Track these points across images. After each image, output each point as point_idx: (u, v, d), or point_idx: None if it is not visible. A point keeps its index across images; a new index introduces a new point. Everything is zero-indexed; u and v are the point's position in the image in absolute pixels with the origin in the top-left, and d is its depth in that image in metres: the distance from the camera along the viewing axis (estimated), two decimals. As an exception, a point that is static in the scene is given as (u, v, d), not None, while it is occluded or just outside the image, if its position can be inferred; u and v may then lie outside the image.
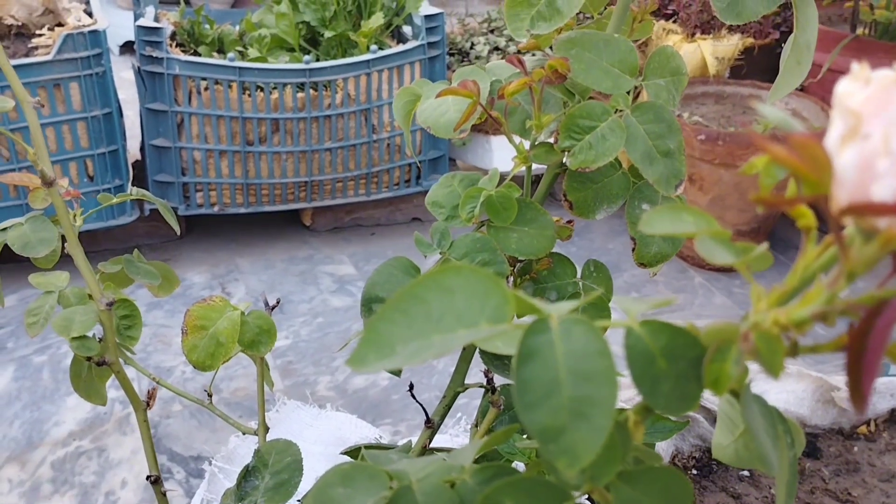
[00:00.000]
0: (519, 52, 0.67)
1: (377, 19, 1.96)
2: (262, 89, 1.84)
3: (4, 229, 0.75)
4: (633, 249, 0.63)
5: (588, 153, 0.58)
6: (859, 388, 0.28)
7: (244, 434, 0.83)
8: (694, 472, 1.07)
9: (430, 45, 1.93)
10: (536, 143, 0.62)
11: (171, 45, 1.83)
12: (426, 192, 0.77)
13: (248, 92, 1.84)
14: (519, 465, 0.71)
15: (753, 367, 0.34)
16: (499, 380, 0.67)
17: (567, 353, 0.30)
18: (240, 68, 1.79)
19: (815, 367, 1.24)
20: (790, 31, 0.63)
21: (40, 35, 1.74)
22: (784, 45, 0.64)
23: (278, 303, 0.83)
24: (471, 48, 2.32)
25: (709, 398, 1.08)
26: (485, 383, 0.67)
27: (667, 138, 0.58)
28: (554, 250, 0.64)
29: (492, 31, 2.41)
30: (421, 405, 0.74)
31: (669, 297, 0.33)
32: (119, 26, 2.87)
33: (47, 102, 1.68)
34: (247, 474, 0.74)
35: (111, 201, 0.81)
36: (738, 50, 2.18)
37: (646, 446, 0.46)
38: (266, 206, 1.97)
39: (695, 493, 1.00)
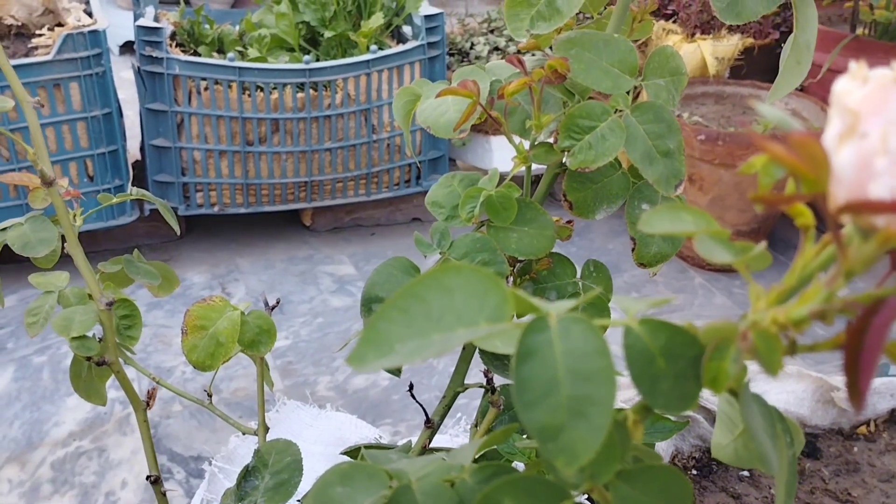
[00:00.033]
0: (519, 52, 0.67)
1: (377, 19, 1.96)
2: (262, 89, 1.84)
3: (4, 229, 0.75)
4: (633, 249, 0.63)
5: (588, 153, 0.58)
6: (857, 385, 0.28)
7: (244, 434, 0.83)
8: (694, 472, 1.07)
9: (430, 45, 1.93)
10: (536, 143, 0.62)
11: (171, 45, 1.83)
12: (426, 192, 0.77)
13: (248, 92, 1.84)
14: (519, 465, 0.71)
15: (753, 366, 0.34)
16: (498, 380, 0.67)
17: (566, 352, 0.31)
18: (240, 68, 1.79)
19: (815, 367, 1.24)
20: (790, 31, 0.63)
21: (40, 35, 1.74)
22: (784, 45, 0.64)
23: (278, 303, 0.83)
24: (471, 48, 2.32)
25: (708, 398, 1.08)
26: (484, 383, 0.67)
27: (667, 138, 0.58)
28: (554, 250, 0.64)
29: (492, 31, 2.41)
30: (421, 405, 0.74)
31: (668, 297, 0.33)
32: (119, 26, 2.87)
33: (47, 102, 1.68)
34: (247, 474, 0.74)
35: (111, 201, 0.81)
36: (738, 50, 2.18)
37: (645, 446, 0.46)
38: (266, 206, 1.97)
39: (695, 493, 1.00)
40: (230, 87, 1.81)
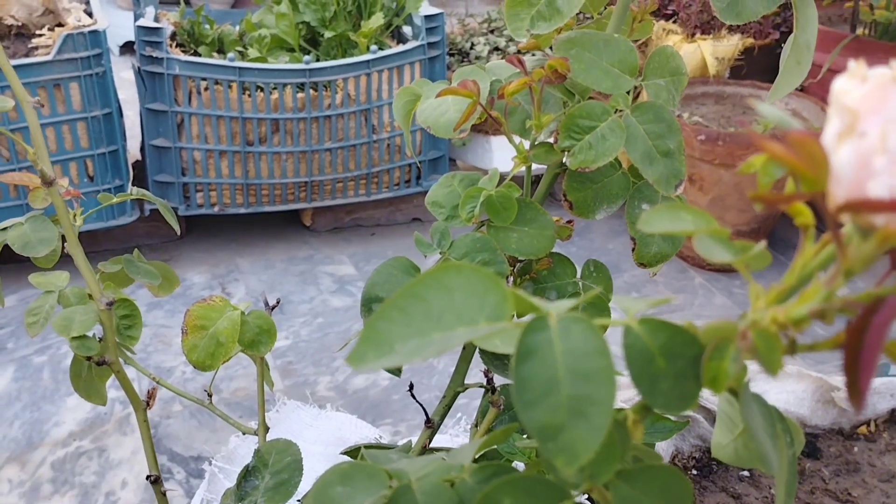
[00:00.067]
0: (519, 52, 0.67)
1: (377, 19, 1.96)
2: (262, 89, 1.84)
3: (4, 229, 0.75)
4: (633, 249, 0.63)
5: (588, 153, 0.58)
6: (857, 385, 0.28)
7: (244, 434, 0.83)
8: (694, 472, 1.07)
9: (430, 45, 1.93)
10: (536, 143, 0.62)
11: (171, 46, 1.83)
12: (426, 192, 0.77)
13: (248, 92, 1.84)
14: (519, 465, 0.71)
15: (753, 366, 0.34)
16: (498, 380, 0.67)
17: (566, 352, 0.31)
18: (240, 68, 1.79)
19: (815, 367, 1.24)
20: (790, 32, 0.63)
21: (40, 35, 1.74)
22: (784, 46, 0.64)
23: (278, 303, 0.83)
24: (471, 48, 2.32)
25: (708, 398, 1.08)
26: (485, 383, 0.67)
27: (667, 138, 0.58)
28: (554, 250, 0.64)
29: (492, 32, 2.41)
30: (421, 405, 0.74)
31: (668, 297, 0.33)
32: (119, 26, 2.87)
33: (47, 102, 1.68)
34: (247, 474, 0.74)
35: (111, 201, 0.81)
36: (738, 50, 2.18)
37: (645, 446, 0.46)
38: (266, 207, 1.97)
39: (695, 493, 1.00)
40: (230, 87, 1.81)
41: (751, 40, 2.19)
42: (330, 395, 1.53)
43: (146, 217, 1.94)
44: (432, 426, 0.71)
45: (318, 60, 2.01)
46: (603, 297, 0.64)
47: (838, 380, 1.11)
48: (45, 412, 1.46)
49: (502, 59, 0.87)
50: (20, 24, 1.95)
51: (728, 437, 0.44)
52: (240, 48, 2.03)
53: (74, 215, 0.77)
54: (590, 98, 0.61)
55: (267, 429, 0.82)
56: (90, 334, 0.78)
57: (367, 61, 1.86)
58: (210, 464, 1.17)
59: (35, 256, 0.74)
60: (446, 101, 0.62)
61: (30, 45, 1.78)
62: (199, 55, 1.94)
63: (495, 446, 0.67)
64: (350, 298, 1.84)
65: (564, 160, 0.60)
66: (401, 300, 0.32)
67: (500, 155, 2.11)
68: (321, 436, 1.25)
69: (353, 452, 0.76)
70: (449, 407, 0.71)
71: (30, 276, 0.81)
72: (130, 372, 1.12)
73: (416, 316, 0.32)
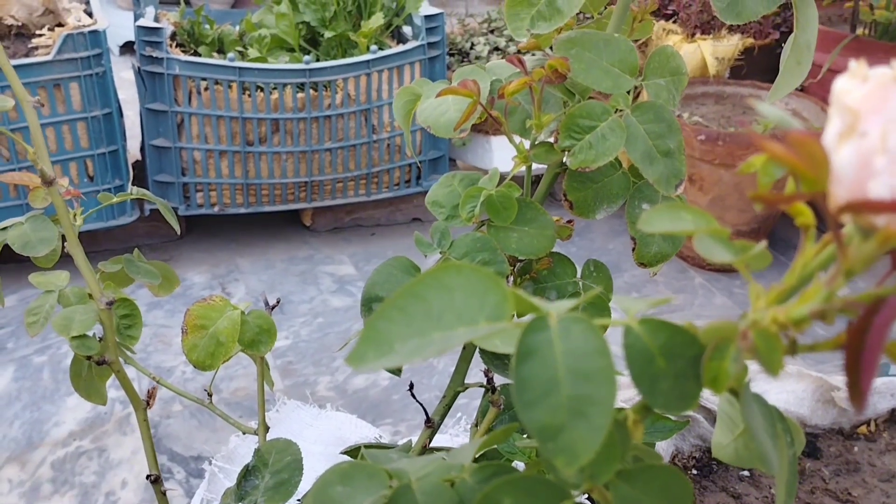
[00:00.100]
0: (519, 51, 0.67)
1: (377, 19, 1.96)
2: (262, 89, 1.84)
3: (5, 229, 0.75)
4: (634, 249, 0.63)
5: (588, 153, 0.58)
6: (858, 385, 0.28)
7: (244, 434, 0.83)
8: (694, 472, 1.07)
9: (430, 45, 1.93)
10: (536, 142, 0.62)
11: (171, 46, 1.83)
12: (426, 192, 0.77)
13: (248, 92, 1.84)
14: (519, 465, 0.71)
15: (753, 366, 0.34)
16: (499, 379, 0.67)
17: (566, 352, 0.31)
18: (240, 68, 1.79)
19: (815, 367, 1.24)
20: (790, 31, 0.63)
21: (40, 35, 1.74)
22: (784, 46, 0.64)
23: (278, 303, 0.83)
24: (471, 48, 2.32)
25: (709, 398, 1.08)
26: (485, 383, 0.67)
27: (667, 138, 0.58)
28: (554, 250, 0.64)
29: (492, 32, 2.41)
30: (421, 405, 0.74)
31: (668, 297, 0.33)
32: (119, 26, 2.87)
33: (47, 102, 1.68)
34: (247, 474, 0.74)
35: (111, 201, 0.81)
36: (738, 50, 2.18)
37: (646, 446, 0.46)
38: (266, 207, 1.97)
39: (695, 493, 1.00)
40: (230, 87, 1.81)
41: (751, 40, 2.19)
42: (330, 395, 1.53)
43: (146, 217, 1.94)
44: (432, 426, 0.71)
45: (318, 60, 2.01)
46: (603, 297, 0.64)
47: (838, 380, 1.11)
48: (45, 412, 1.46)
49: (502, 58, 0.87)
50: (20, 24, 1.95)
51: (728, 437, 0.44)
52: (240, 48, 2.03)
53: (74, 215, 0.77)
54: (590, 98, 0.61)
55: (267, 428, 0.82)
56: (90, 334, 0.78)
57: (367, 61, 1.86)
58: (210, 463, 1.17)
59: (35, 256, 0.74)
60: (446, 101, 0.62)
61: (30, 45, 1.78)
62: (199, 55, 1.94)
63: (495, 446, 0.67)
64: (350, 298, 1.84)
65: (564, 160, 0.60)
66: (401, 300, 0.32)
67: (501, 155, 2.11)
68: (321, 435, 1.25)
69: (353, 452, 0.76)
70: (449, 407, 0.71)
71: (30, 275, 0.81)
72: (130, 372, 1.12)
73: (417, 316, 0.32)
